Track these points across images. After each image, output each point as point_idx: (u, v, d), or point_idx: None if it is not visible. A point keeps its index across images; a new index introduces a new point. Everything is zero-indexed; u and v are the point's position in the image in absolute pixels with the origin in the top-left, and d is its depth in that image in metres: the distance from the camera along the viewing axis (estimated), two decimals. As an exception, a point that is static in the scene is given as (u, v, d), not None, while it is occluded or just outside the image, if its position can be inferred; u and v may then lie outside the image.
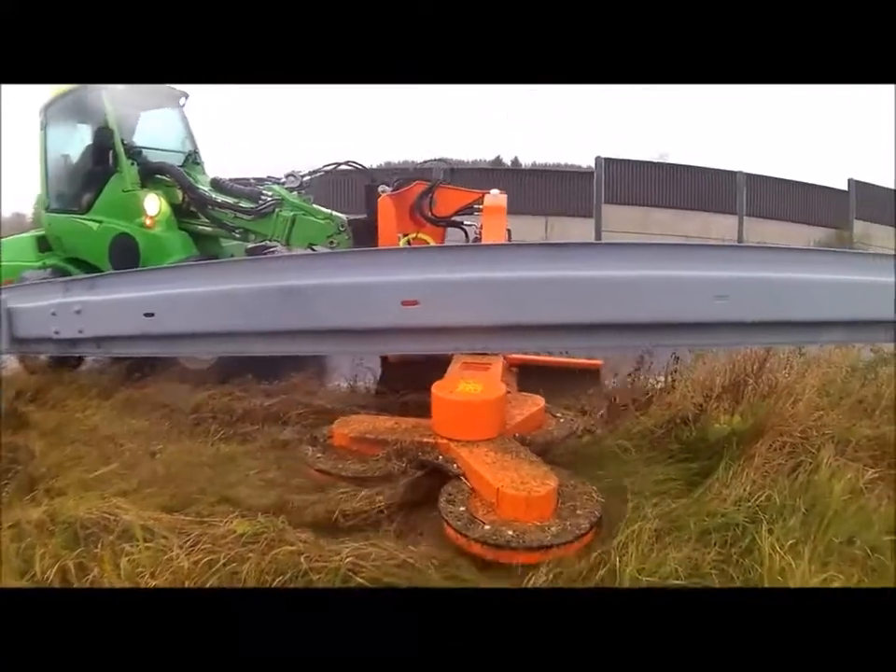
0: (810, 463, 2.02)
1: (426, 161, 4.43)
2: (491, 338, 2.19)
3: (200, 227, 4.17)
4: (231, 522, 1.61)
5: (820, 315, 2.40)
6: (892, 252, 2.75)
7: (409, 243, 3.31)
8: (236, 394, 2.88)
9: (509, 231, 3.08)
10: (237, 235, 4.12)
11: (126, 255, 3.93)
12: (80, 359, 3.70)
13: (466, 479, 1.91)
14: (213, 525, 1.61)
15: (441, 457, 2.01)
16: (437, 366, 2.69)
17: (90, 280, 2.77)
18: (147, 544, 1.53)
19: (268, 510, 1.71)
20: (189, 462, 2.14)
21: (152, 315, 2.40)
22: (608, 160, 11.91)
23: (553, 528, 1.70)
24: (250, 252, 4.35)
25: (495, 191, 3.28)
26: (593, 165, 12.17)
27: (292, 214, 3.88)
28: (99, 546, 1.53)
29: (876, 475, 2.03)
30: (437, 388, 2.17)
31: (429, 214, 3.47)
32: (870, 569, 1.57)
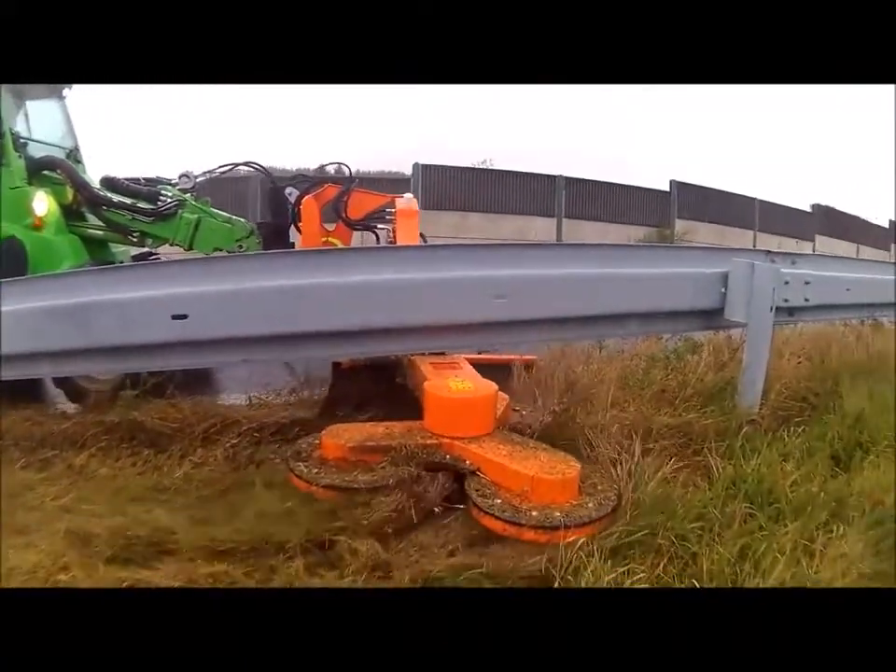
0: (607, 455, 2.05)
1: (325, 165, 4.30)
2: (261, 349, 2.19)
3: (90, 230, 3.75)
4: (18, 551, 1.57)
5: (612, 309, 2.42)
6: (690, 244, 2.74)
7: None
8: (35, 418, 2.64)
9: (422, 235, 3.06)
10: (134, 239, 3.78)
11: (11, 262, 3.35)
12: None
13: (482, 473, 1.93)
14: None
15: (448, 456, 2.01)
16: (383, 373, 2.66)
17: None
18: None
19: (64, 535, 1.65)
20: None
21: None
22: (425, 166, 12.23)
23: (589, 504, 1.80)
24: (136, 258, 3.99)
25: (408, 195, 3.28)
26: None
27: (196, 216, 3.62)
28: None
29: (681, 464, 2.05)
30: (432, 388, 2.16)
31: (346, 216, 3.43)
32: (675, 557, 1.58)
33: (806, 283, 2.75)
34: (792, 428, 2.39)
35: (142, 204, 3.67)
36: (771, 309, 2.49)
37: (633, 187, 13.99)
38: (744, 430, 2.29)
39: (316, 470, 2.02)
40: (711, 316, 2.64)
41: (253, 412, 2.62)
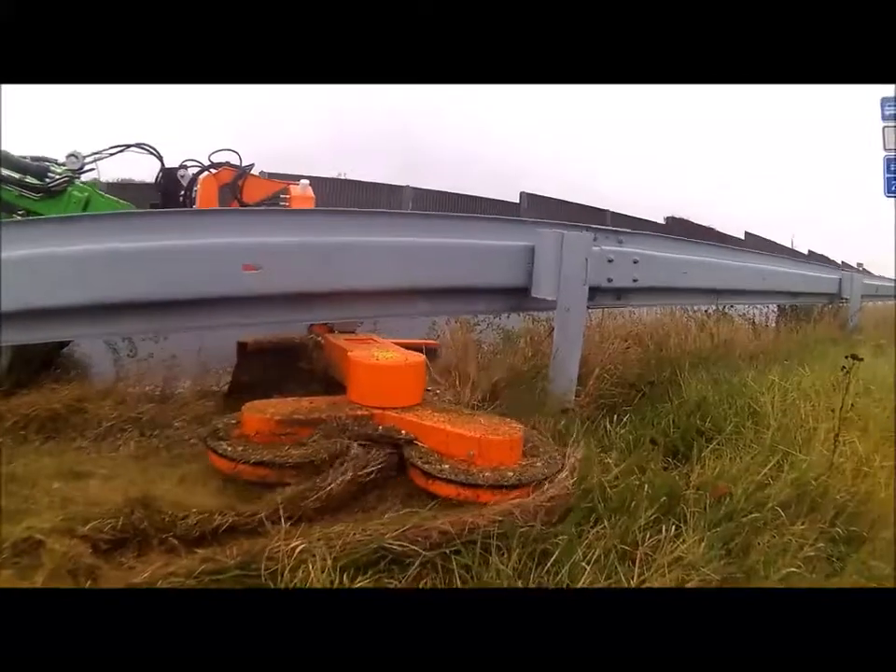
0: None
1: (216, 151, 3.91)
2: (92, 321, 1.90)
3: None
4: None
5: (390, 283, 2.15)
6: (499, 217, 2.41)
7: None
8: None
9: None
10: (19, 217, 3.45)
11: None
12: None
13: (420, 441, 1.87)
14: None
15: (381, 427, 1.92)
16: (288, 355, 2.61)
17: None
18: None
19: None
20: None
21: None
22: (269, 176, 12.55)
23: (538, 463, 1.81)
24: None
25: (304, 181, 3.28)
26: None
27: (86, 195, 3.38)
28: None
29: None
30: (360, 358, 2.05)
31: (241, 199, 3.39)
32: (444, 571, 1.40)
33: (635, 262, 2.54)
34: (617, 416, 2.15)
35: (30, 180, 3.36)
36: (584, 283, 2.24)
37: (481, 197, 14.46)
38: (554, 421, 2.08)
39: (241, 448, 1.84)
40: (519, 296, 2.35)
41: (17, 402, 2.35)
